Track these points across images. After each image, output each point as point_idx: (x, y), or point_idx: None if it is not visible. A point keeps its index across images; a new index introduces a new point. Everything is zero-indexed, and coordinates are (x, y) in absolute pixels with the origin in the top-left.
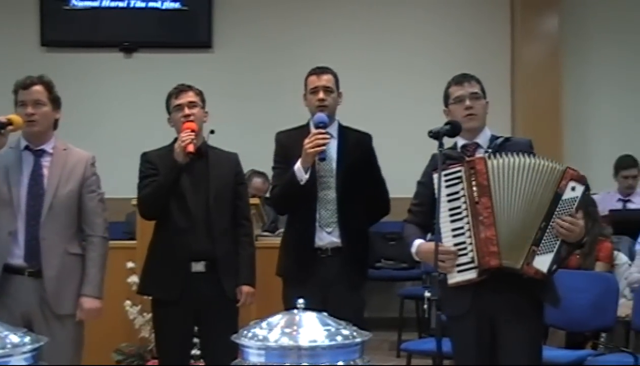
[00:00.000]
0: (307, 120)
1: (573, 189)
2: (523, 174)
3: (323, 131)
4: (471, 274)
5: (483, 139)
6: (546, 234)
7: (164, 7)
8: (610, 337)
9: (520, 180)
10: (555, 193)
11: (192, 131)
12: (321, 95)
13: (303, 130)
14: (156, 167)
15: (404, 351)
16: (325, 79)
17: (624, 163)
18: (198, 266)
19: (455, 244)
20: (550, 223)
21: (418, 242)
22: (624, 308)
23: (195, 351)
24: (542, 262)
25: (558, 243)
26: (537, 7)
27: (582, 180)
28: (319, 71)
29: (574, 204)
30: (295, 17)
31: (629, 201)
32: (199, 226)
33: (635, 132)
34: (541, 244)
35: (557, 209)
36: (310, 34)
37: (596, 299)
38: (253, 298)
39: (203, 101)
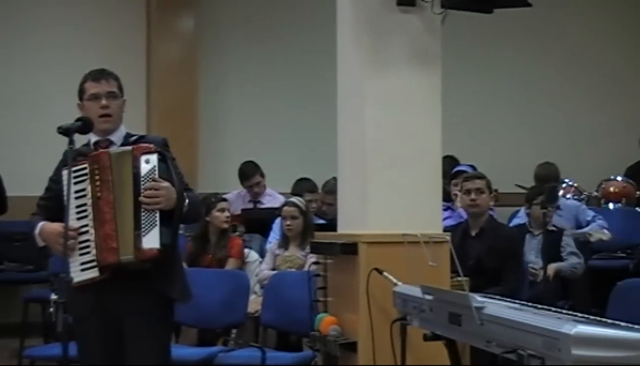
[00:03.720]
0: None
1: (147, 161)
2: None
3: None
4: (93, 273)
5: (117, 136)
6: (142, 214)
7: None
8: (240, 333)
9: (129, 173)
10: (133, 174)
11: None
12: None
13: None
14: None
15: (27, 358)
16: None
17: (246, 173)
18: None
19: (80, 243)
20: (142, 203)
21: (42, 223)
22: (254, 304)
23: None
24: (151, 240)
25: (157, 216)
26: (173, 6)
27: (151, 150)
28: None
29: (154, 174)
30: None
31: (259, 202)
32: None
33: (263, 131)
34: (142, 225)
35: (142, 187)
36: None
37: (227, 296)
38: None
39: None
